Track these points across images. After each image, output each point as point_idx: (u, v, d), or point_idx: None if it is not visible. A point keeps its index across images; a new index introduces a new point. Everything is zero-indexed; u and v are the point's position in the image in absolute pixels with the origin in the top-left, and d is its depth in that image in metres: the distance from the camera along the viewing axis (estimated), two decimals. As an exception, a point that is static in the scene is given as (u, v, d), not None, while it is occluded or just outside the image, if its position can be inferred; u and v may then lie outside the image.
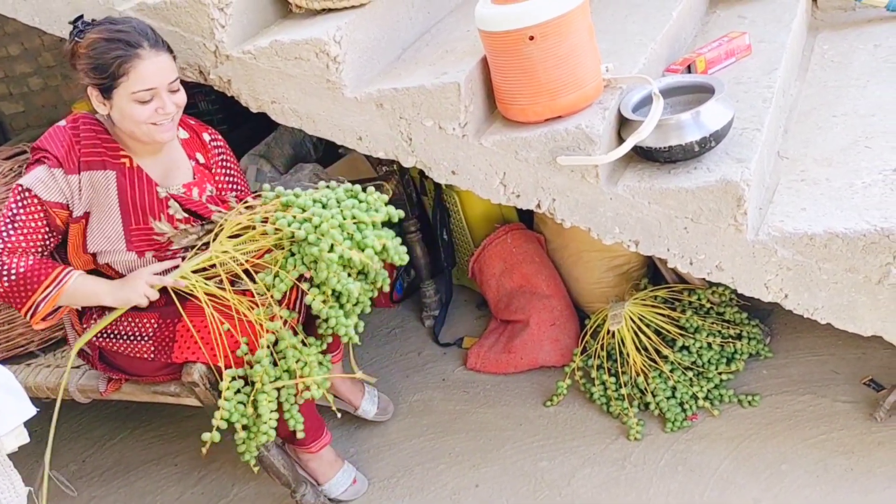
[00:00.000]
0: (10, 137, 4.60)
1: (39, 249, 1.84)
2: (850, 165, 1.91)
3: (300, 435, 1.92)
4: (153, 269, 1.88)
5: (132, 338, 1.90)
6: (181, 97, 1.86)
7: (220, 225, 1.91)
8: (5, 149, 2.44)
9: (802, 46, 2.59)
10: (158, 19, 1.99)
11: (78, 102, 3.51)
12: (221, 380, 1.81)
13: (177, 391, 1.95)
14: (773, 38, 2.34)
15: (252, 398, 1.83)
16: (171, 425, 2.67)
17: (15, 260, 1.79)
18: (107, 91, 1.80)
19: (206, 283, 1.84)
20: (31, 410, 1.49)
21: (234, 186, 2.08)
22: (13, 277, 1.78)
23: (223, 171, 2.06)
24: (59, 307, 1.85)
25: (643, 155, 1.88)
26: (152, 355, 1.89)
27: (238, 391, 1.82)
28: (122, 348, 1.92)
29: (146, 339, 1.90)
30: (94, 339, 1.95)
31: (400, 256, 1.85)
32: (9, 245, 1.80)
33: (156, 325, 1.88)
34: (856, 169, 1.89)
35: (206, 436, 1.81)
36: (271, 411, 1.83)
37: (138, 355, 1.91)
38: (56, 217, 1.84)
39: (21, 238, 1.81)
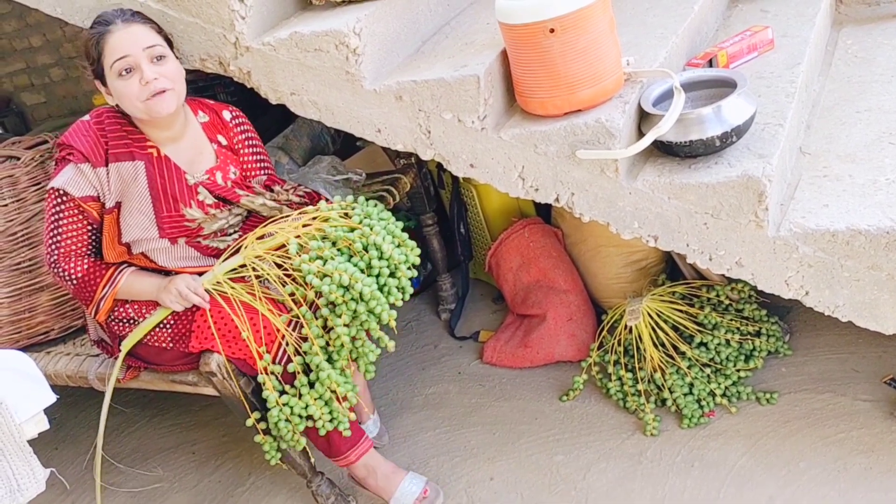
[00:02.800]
0: (32, 127, 4.65)
1: (91, 249, 1.93)
2: (874, 162, 1.89)
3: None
4: (188, 281, 1.88)
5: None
6: (169, 68, 1.85)
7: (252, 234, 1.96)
8: (27, 139, 2.46)
9: (826, 41, 2.56)
10: (179, 10, 1.99)
11: (98, 94, 3.54)
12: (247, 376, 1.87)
13: (194, 380, 1.96)
14: (797, 32, 2.32)
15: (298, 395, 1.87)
16: (188, 414, 2.69)
17: (72, 265, 1.91)
18: (101, 78, 1.86)
19: (235, 288, 1.87)
20: (51, 397, 1.51)
21: (263, 168, 2.09)
22: (74, 281, 1.92)
23: (250, 150, 2.07)
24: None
25: (663, 149, 1.87)
26: (170, 344, 1.91)
27: (282, 392, 1.87)
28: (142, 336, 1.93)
29: (165, 327, 1.91)
30: (115, 326, 1.97)
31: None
32: (62, 251, 1.90)
33: (175, 314, 1.90)
34: (880, 165, 1.87)
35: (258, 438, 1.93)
36: (324, 408, 1.88)
37: (157, 344, 1.93)
38: (92, 211, 1.90)
39: (70, 242, 1.90)
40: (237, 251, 1.94)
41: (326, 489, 2.10)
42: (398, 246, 1.90)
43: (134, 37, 1.81)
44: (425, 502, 2.01)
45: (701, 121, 1.78)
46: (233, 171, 2.01)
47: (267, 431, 1.92)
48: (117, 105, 1.89)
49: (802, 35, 2.29)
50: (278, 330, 1.84)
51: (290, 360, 1.86)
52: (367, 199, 1.98)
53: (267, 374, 1.83)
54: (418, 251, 1.93)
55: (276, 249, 1.90)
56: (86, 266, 1.91)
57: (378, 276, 1.86)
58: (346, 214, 1.93)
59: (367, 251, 1.86)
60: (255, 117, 3.21)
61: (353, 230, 1.89)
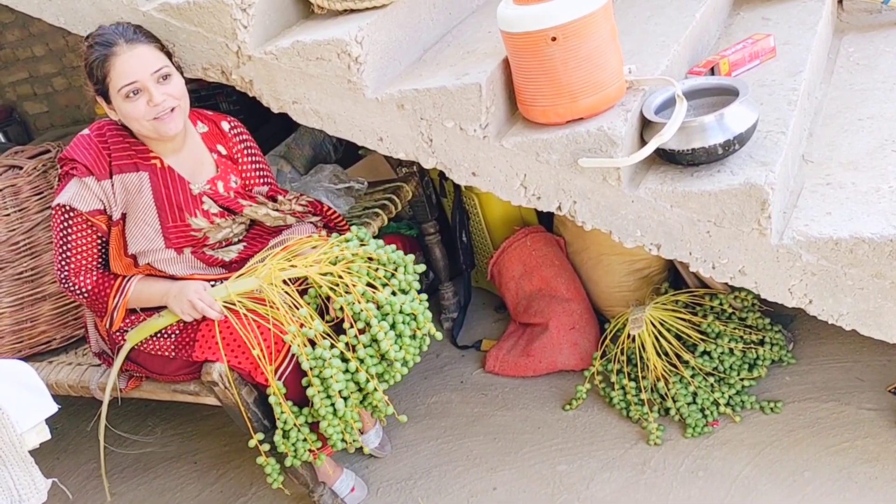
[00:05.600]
0: (35, 137, 4.66)
1: (101, 262, 1.93)
2: (877, 169, 1.88)
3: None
4: (201, 294, 1.85)
5: (155, 335, 1.92)
6: (174, 87, 1.85)
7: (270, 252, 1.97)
8: (30, 148, 2.46)
9: (828, 49, 2.56)
10: (182, 20, 2.00)
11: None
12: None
13: (196, 390, 1.96)
14: (798, 40, 2.31)
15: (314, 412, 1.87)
16: (190, 423, 2.68)
17: (81, 279, 1.91)
18: (104, 96, 1.85)
19: (244, 303, 1.86)
20: (53, 407, 1.50)
21: (263, 178, 2.09)
22: (86, 294, 1.93)
23: (249, 159, 2.07)
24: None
25: (666, 157, 1.86)
26: (173, 353, 1.90)
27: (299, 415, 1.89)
28: (144, 345, 1.93)
29: (169, 336, 1.91)
30: (118, 337, 1.97)
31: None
32: (72, 267, 1.90)
33: (180, 324, 1.90)
34: (883, 173, 1.86)
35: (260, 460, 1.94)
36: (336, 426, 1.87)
37: (160, 353, 1.92)
38: (101, 224, 1.90)
39: (80, 258, 1.90)
40: (252, 266, 1.94)
41: (329, 499, 2.09)
42: (399, 337, 1.87)
43: (141, 60, 1.80)
44: (351, 496, 2.15)
45: (703, 129, 1.78)
46: (234, 180, 2.01)
47: (269, 453, 1.92)
48: (120, 120, 1.89)
49: (804, 43, 2.29)
50: (284, 342, 1.84)
51: (294, 372, 1.86)
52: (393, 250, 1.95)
53: (279, 395, 1.83)
54: (415, 352, 1.91)
55: (294, 280, 1.90)
56: (95, 278, 1.91)
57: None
58: (370, 258, 1.93)
59: (368, 325, 1.84)
60: (256, 126, 3.24)
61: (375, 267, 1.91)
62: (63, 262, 1.90)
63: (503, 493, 2.07)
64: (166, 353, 1.91)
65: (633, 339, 2.20)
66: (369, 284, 1.87)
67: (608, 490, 1.99)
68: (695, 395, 2.11)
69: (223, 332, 1.84)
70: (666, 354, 2.18)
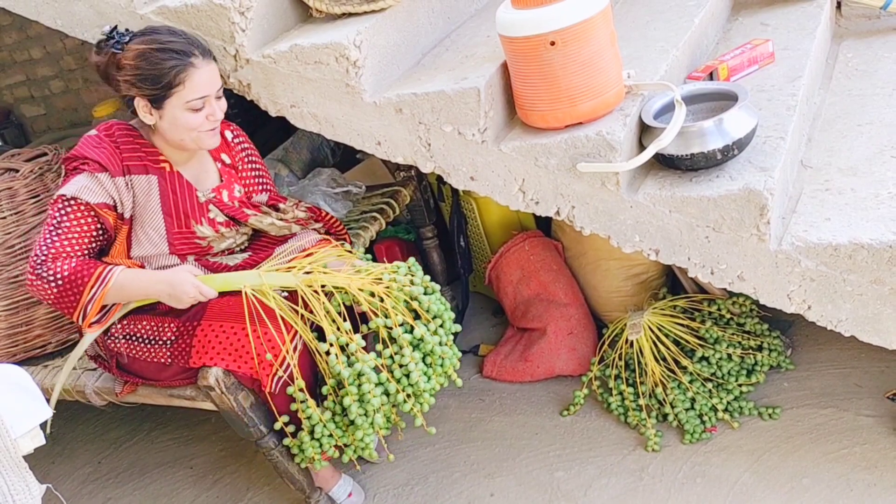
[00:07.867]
0: (31, 140, 4.65)
1: (85, 252, 1.82)
2: (876, 175, 1.88)
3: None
4: (196, 287, 1.83)
5: (151, 342, 1.91)
6: (224, 103, 1.89)
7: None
8: (26, 151, 2.45)
9: (826, 54, 2.56)
10: (180, 23, 1.99)
11: (99, 107, 3.54)
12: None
13: (192, 395, 1.95)
14: (797, 45, 2.31)
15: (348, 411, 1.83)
16: (186, 428, 2.67)
17: (59, 264, 1.78)
18: (157, 101, 1.80)
19: (276, 299, 1.84)
20: (48, 412, 1.49)
21: (263, 185, 2.08)
22: (60, 282, 1.77)
23: (250, 167, 2.07)
24: (109, 308, 1.87)
25: (665, 162, 1.86)
26: (170, 359, 1.89)
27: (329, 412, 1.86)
28: (140, 352, 1.92)
29: (165, 343, 1.89)
30: (112, 342, 1.95)
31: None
32: (52, 251, 1.79)
33: (175, 330, 1.88)
34: (882, 179, 1.86)
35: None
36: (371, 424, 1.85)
37: (156, 360, 1.91)
38: (108, 217, 1.85)
39: (66, 243, 1.80)
40: (288, 260, 1.94)
41: (325, 505, 2.08)
42: (428, 366, 1.86)
43: (213, 76, 1.83)
44: (349, 500, 2.13)
45: (702, 134, 1.78)
46: (237, 189, 2.01)
47: (274, 450, 1.92)
48: (136, 122, 1.88)
49: (803, 48, 2.29)
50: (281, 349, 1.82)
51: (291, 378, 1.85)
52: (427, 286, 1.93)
53: (305, 392, 1.81)
54: (441, 382, 1.89)
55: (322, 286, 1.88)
56: (73, 264, 1.78)
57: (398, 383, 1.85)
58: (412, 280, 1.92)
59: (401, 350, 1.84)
60: (253, 130, 3.24)
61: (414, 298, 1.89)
62: (45, 246, 1.78)
63: (500, 499, 2.06)
64: (163, 360, 1.90)
65: (631, 345, 2.20)
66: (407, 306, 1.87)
67: (606, 497, 1.98)
68: (693, 400, 2.10)
69: (220, 336, 1.83)
70: (664, 360, 2.17)
